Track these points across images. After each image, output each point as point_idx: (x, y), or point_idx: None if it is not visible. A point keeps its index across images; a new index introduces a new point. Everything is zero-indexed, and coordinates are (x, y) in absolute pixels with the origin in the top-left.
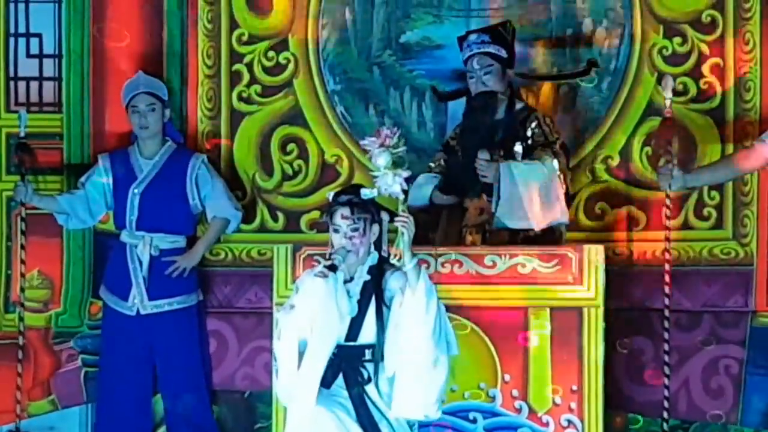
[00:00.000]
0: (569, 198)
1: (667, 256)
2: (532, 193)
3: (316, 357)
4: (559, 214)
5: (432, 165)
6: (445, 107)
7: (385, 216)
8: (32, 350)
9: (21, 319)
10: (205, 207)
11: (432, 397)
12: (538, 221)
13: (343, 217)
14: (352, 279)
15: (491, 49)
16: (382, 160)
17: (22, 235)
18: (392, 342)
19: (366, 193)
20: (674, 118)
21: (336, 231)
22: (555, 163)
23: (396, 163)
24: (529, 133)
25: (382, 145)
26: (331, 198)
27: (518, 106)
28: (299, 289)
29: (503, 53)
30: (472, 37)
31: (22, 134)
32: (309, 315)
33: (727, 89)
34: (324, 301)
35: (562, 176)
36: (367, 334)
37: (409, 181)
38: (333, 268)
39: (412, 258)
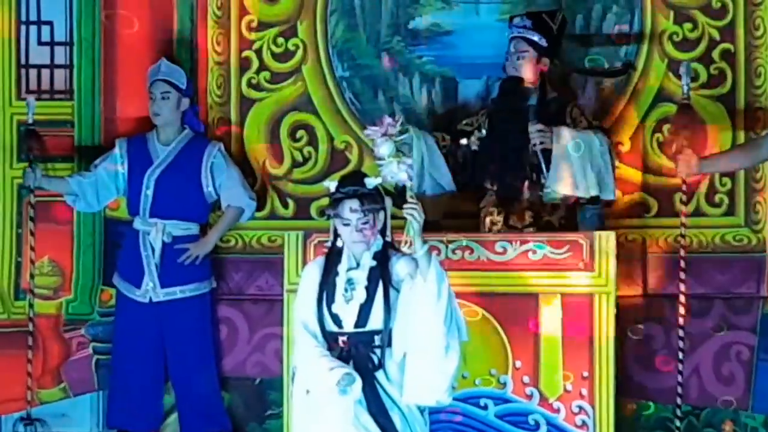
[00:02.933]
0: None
1: (682, 242)
2: (584, 161)
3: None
4: (609, 188)
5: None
6: (454, 93)
7: (388, 201)
8: (42, 338)
9: (30, 306)
10: (220, 195)
11: (444, 383)
12: (585, 189)
13: (352, 210)
14: (358, 265)
15: (530, 35)
16: (385, 149)
17: (31, 221)
18: (400, 326)
19: (370, 182)
20: (692, 105)
21: (346, 225)
22: (605, 139)
23: (400, 151)
24: (568, 120)
25: (384, 134)
26: (333, 188)
27: (551, 95)
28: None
29: (543, 42)
30: (517, 19)
31: (30, 121)
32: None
33: (737, 75)
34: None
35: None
36: (376, 320)
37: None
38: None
39: (423, 245)
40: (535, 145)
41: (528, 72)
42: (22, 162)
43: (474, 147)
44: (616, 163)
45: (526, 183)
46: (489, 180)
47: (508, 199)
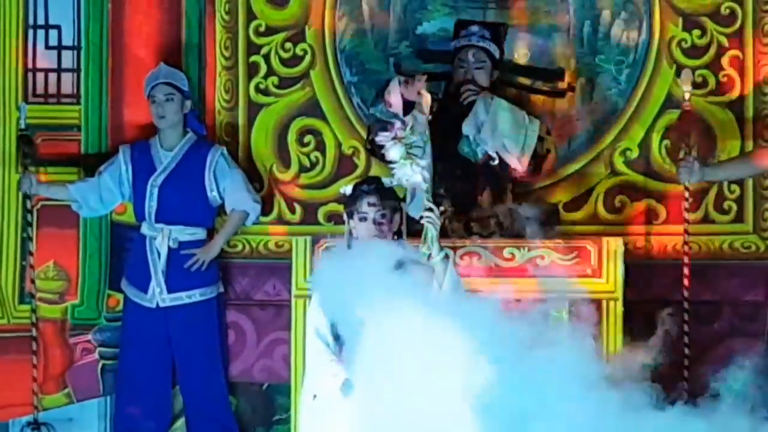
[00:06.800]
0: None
1: (686, 249)
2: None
3: None
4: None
5: None
6: None
7: (404, 205)
8: (44, 343)
9: (33, 311)
10: (224, 199)
11: None
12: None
13: (370, 205)
14: None
15: (490, 46)
16: (395, 152)
17: (29, 227)
18: None
19: (387, 181)
20: (693, 112)
21: (363, 219)
22: (537, 123)
23: (412, 154)
24: None
25: (393, 138)
26: (349, 191)
27: None
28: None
29: (497, 54)
30: (474, 28)
31: (23, 126)
32: None
33: (746, 82)
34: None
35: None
36: None
37: None
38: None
39: (439, 251)
40: (465, 99)
41: (485, 81)
42: (29, 167)
43: None
44: (627, 170)
45: (486, 191)
46: (440, 187)
47: (465, 207)
